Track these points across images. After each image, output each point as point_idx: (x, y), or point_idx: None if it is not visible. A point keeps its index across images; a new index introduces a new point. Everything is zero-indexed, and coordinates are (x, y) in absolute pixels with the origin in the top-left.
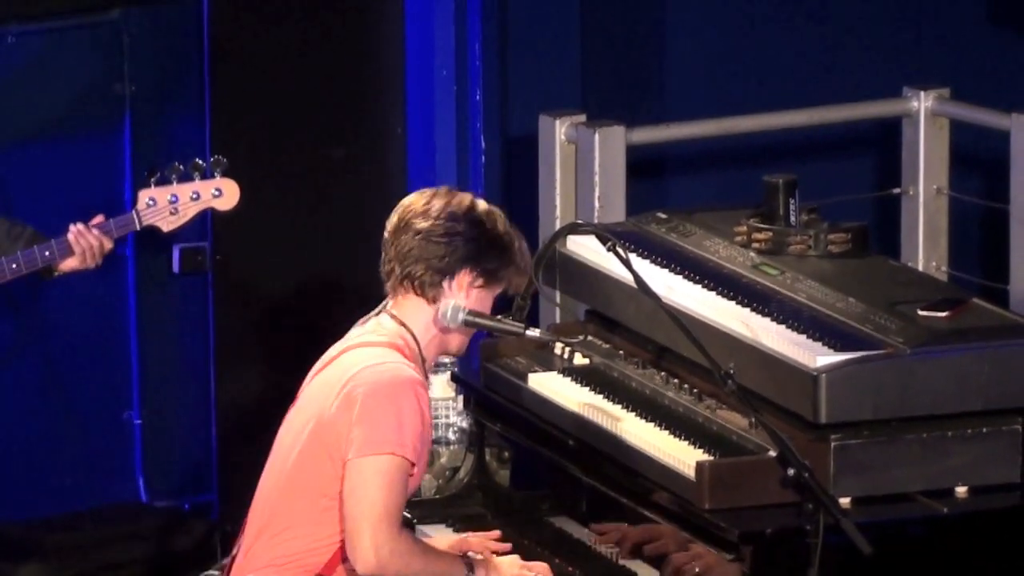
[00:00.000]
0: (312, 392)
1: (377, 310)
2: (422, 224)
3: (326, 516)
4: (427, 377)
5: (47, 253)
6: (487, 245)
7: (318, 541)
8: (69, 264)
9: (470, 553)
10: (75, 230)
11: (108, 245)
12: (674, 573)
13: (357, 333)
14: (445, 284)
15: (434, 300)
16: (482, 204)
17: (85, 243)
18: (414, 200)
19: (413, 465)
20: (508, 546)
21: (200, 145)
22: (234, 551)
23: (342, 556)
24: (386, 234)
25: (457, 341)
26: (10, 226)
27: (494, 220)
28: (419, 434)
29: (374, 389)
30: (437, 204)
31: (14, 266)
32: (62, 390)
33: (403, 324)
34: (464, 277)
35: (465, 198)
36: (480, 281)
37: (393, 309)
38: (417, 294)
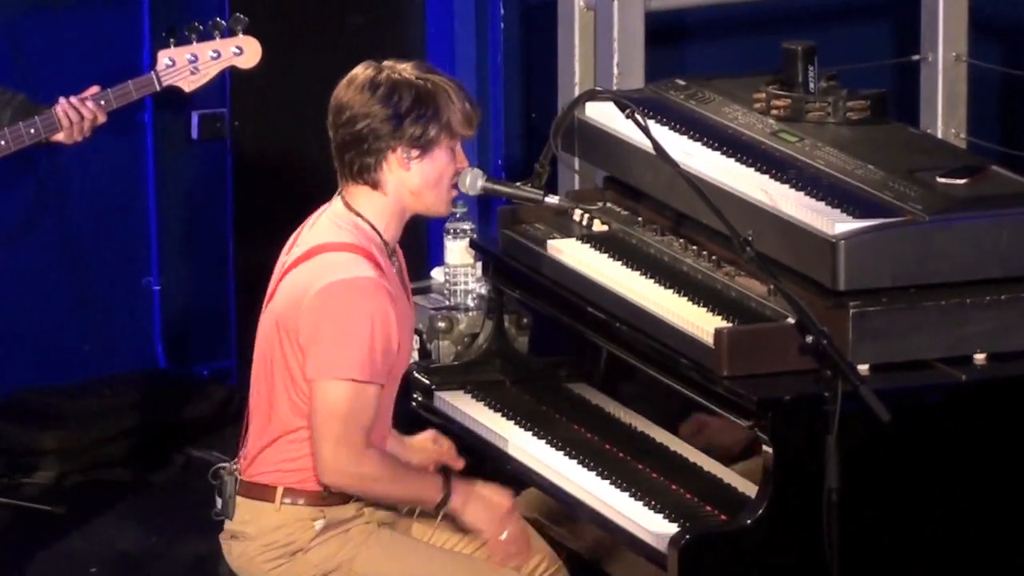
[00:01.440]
0: (283, 297)
1: (331, 200)
2: (342, 116)
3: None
4: (392, 257)
5: (32, 131)
6: (403, 116)
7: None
8: (57, 137)
9: (454, 476)
10: (64, 104)
11: (101, 119)
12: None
13: (324, 226)
14: (382, 168)
15: (376, 186)
16: (391, 72)
17: (74, 116)
18: (338, 90)
19: (372, 383)
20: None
21: (219, 9)
22: (242, 444)
23: None
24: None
25: (426, 202)
26: (0, 92)
27: (401, 87)
28: (380, 348)
29: (329, 308)
30: (350, 94)
31: (2, 143)
32: (81, 257)
33: (357, 213)
34: (397, 156)
35: (370, 75)
36: (415, 153)
37: (347, 198)
38: (360, 183)
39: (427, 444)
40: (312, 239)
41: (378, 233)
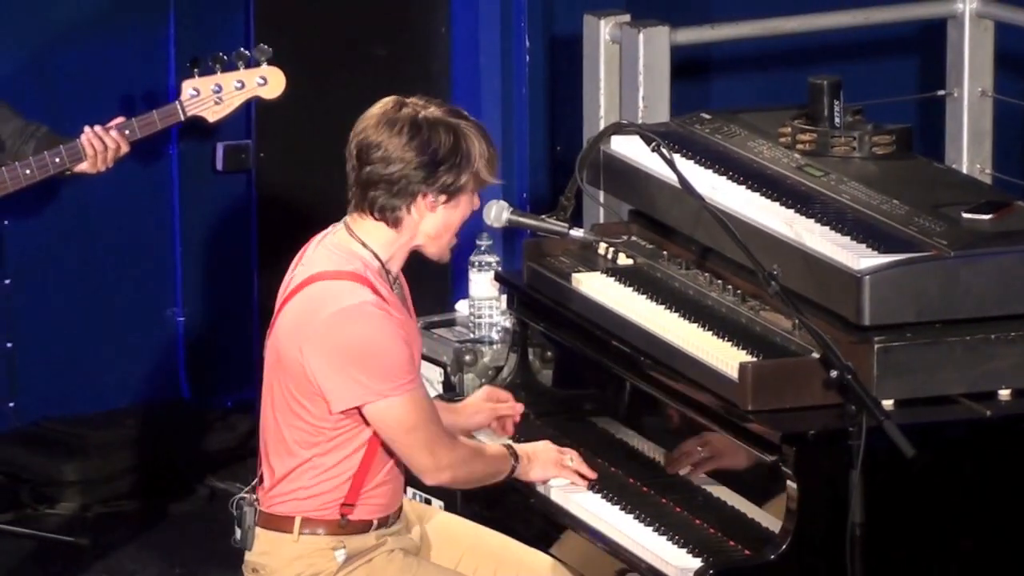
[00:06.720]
0: (283, 329)
1: (336, 225)
2: (371, 154)
3: (329, 454)
4: (392, 286)
5: (57, 160)
6: (439, 164)
7: (329, 473)
8: (81, 167)
9: (511, 443)
10: (88, 134)
11: (124, 148)
12: (682, 455)
13: (320, 254)
14: (405, 209)
15: (395, 224)
16: (427, 114)
17: (99, 146)
18: (366, 122)
19: (419, 384)
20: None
21: (244, 40)
22: (259, 474)
23: (361, 486)
24: (347, 155)
25: (440, 244)
26: (24, 125)
27: (439, 133)
28: (406, 354)
29: (343, 336)
30: (382, 133)
31: (28, 172)
32: (105, 287)
33: (362, 243)
34: (425, 199)
35: (406, 115)
36: (443, 198)
37: (353, 226)
38: (377, 219)
39: (482, 405)
40: (308, 269)
41: (381, 262)
